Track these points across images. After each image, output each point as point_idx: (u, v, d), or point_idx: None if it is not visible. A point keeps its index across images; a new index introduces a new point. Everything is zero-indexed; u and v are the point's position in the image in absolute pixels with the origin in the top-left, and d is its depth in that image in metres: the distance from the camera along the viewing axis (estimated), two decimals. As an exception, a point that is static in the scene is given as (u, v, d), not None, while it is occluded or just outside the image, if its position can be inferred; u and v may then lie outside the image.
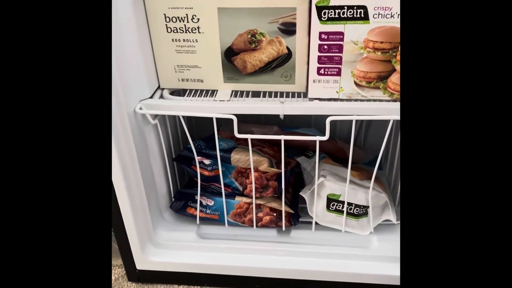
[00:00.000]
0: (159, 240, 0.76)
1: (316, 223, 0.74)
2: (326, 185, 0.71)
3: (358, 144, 0.92)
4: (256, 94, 0.68)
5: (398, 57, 0.58)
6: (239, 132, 0.65)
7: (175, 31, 0.63)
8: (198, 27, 0.62)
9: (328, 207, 0.72)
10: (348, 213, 0.72)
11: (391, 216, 0.72)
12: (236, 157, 0.72)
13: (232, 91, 0.68)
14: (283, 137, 0.63)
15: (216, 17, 0.61)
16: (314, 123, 0.90)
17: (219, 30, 0.62)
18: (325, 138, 0.62)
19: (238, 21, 0.61)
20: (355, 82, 0.61)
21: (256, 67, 0.65)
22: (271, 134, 0.82)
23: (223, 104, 0.64)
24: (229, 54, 0.64)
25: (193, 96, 0.67)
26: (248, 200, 0.73)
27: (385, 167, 0.90)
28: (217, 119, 0.64)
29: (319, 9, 0.56)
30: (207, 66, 0.66)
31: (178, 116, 0.67)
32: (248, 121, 0.84)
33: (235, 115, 0.63)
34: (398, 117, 0.59)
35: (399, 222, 0.75)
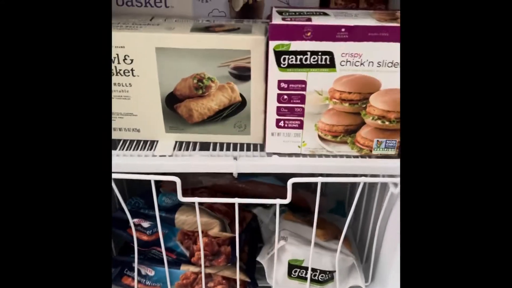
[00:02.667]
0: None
1: (276, 290, 0.66)
2: (287, 249, 0.63)
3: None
4: (205, 144, 0.59)
5: (368, 109, 0.52)
6: (185, 186, 0.56)
7: (104, 73, 0.53)
8: (132, 69, 0.53)
9: (289, 274, 0.64)
10: (312, 280, 0.64)
11: (359, 280, 0.65)
12: (182, 219, 0.62)
13: (176, 142, 0.59)
14: (237, 200, 0.55)
15: (154, 59, 0.52)
16: (272, 167, 0.82)
17: (158, 74, 0.53)
18: (287, 201, 0.54)
19: (181, 64, 0.52)
20: (319, 136, 0.54)
21: (205, 116, 0.56)
22: (223, 182, 0.74)
23: (164, 161, 0.55)
24: (172, 101, 0.55)
25: (127, 149, 0.57)
26: (196, 269, 0.63)
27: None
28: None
29: (278, 54, 0.49)
30: (145, 114, 0.56)
31: (109, 173, 0.57)
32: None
33: (181, 176, 0.54)
34: (369, 180, 0.53)
35: (367, 284, 0.69)
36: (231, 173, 0.75)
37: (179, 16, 0.61)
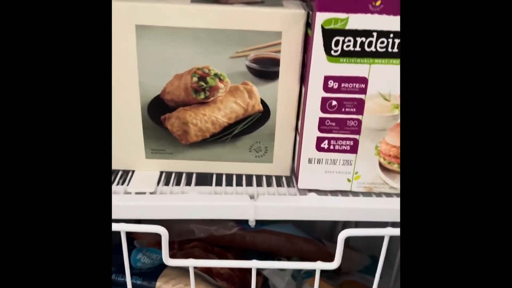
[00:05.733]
0: None
1: None
2: (323, 335, 0.44)
3: (349, 244, 0.68)
4: (204, 177, 0.42)
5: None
6: (170, 238, 0.38)
7: (54, 64, 0.36)
8: (98, 59, 0.36)
9: None
10: None
11: None
12: (166, 289, 0.43)
13: (161, 173, 0.41)
14: (255, 264, 0.36)
15: (133, 42, 0.35)
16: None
17: (139, 66, 0.36)
18: (334, 265, 0.37)
19: (175, 52, 0.35)
20: (380, 165, 0.37)
21: (207, 133, 0.39)
22: (224, 232, 0.56)
23: (142, 201, 0.37)
24: (158, 110, 0.38)
25: (87, 183, 0.39)
26: None
27: (388, 271, 0.66)
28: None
29: (329, 34, 0.33)
30: (115, 130, 0.39)
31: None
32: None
33: (164, 224, 0.36)
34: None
35: None
36: (234, 220, 0.57)
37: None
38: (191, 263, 0.36)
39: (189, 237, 0.53)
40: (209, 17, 0.34)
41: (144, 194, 0.38)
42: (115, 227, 0.35)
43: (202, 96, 0.37)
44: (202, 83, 0.37)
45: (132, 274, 0.44)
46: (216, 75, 0.36)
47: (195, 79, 0.36)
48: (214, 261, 0.36)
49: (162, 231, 0.34)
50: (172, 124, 0.38)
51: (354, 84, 0.34)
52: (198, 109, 0.38)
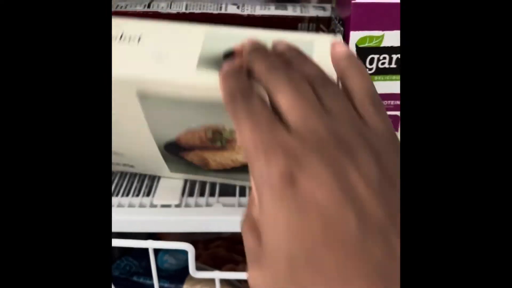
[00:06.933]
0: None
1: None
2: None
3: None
4: (226, 185, 0.43)
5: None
6: (195, 237, 0.44)
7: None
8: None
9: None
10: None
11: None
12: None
13: (186, 181, 0.43)
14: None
15: (138, 107, 0.31)
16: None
17: (148, 124, 0.33)
18: None
19: (185, 114, 0.32)
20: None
21: (227, 166, 0.38)
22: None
23: (167, 216, 0.40)
24: (175, 150, 0.37)
25: (117, 193, 0.42)
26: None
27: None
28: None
29: (364, 53, 0.29)
30: (136, 154, 0.39)
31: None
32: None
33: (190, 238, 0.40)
34: None
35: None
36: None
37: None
38: (217, 275, 0.41)
39: (213, 236, 0.56)
40: (216, 90, 0.29)
41: (170, 207, 0.41)
42: (142, 244, 0.39)
43: (219, 144, 0.35)
44: (217, 136, 0.34)
45: (159, 277, 0.47)
46: (232, 131, 0.33)
47: (209, 134, 0.34)
48: (239, 273, 0.42)
49: (190, 248, 0.38)
50: (192, 158, 0.38)
51: (389, 102, 0.33)
52: (217, 152, 0.36)
